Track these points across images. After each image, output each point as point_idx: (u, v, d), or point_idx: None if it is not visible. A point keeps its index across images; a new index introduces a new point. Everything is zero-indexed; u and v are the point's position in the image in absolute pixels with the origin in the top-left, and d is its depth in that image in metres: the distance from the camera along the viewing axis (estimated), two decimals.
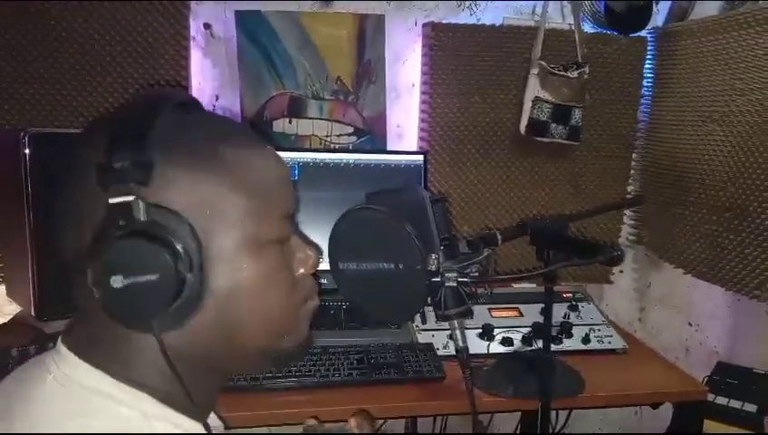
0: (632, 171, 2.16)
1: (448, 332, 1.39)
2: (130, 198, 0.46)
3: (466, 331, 1.38)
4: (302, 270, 0.59)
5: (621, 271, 2.24)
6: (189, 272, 0.48)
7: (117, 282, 0.46)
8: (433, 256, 0.74)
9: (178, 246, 0.48)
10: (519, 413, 1.90)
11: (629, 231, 2.20)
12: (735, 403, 1.33)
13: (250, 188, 0.53)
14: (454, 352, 1.30)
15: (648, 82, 2.10)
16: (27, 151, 1.26)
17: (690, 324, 2.07)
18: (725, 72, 1.76)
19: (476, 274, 0.76)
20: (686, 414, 1.24)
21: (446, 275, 0.74)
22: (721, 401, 1.34)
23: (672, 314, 2.15)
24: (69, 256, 0.52)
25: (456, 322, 0.85)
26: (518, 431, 1.70)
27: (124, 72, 1.64)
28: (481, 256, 0.78)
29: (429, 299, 0.83)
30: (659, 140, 2.06)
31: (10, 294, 1.56)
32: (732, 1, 1.78)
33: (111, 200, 0.47)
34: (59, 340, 0.55)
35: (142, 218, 0.47)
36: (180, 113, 0.54)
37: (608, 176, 2.11)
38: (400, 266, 0.73)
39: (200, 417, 0.55)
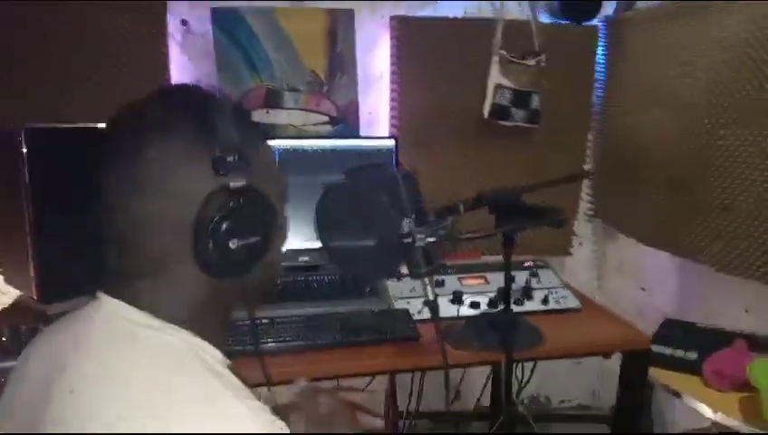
0: (588, 151, 2.32)
1: (422, 299, 1.53)
2: (243, 182, 0.63)
3: (440, 298, 1.54)
4: None
5: (581, 243, 2.42)
6: (270, 236, 0.67)
7: (233, 244, 0.63)
8: (405, 220, 0.87)
9: (270, 218, 0.66)
10: (489, 368, 2.07)
11: (587, 206, 2.37)
12: (678, 352, 1.49)
13: (276, 168, 0.72)
14: (428, 317, 1.45)
15: (600, 69, 2.26)
16: (25, 145, 1.35)
17: (643, 289, 2.25)
18: (669, 58, 1.92)
19: (443, 234, 0.89)
20: (633, 362, 1.40)
21: (417, 236, 0.88)
22: (666, 350, 1.51)
23: (626, 280, 2.33)
24: (148, 227, 0.63)
25: (426, 279, 0.98)
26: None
27: (107, 68, 1.73)
28: (446, 222, 0.92)
29: (405, 261, 0.97)
30: (612, 122, 2.23)
31: (8, 281, 1.65)
32: None
33: (233, 185, 0.63)
34: (98, 294, 0.67)
35: (248, 198, 0.64)
36: (232, 109, 0.68)
37: (566, 156, 2.27)
38: (378, 231, 0.86)
39: (220, 347, 0.67)
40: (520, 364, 1.80)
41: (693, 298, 2.00)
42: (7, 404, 0.69)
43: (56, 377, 0.63)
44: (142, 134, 0.63)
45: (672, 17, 1.91)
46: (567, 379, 2.53)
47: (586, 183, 2.36)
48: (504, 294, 1.18)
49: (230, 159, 0.63)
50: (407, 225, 0.87)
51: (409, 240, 0.87)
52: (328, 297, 1.51)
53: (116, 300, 0.65)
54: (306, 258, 1.64)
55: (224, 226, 0.63)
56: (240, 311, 0.74)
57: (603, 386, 2.53)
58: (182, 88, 0.71)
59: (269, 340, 1.30)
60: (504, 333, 1.21)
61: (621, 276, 2.36)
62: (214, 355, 0.66)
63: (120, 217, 0.64)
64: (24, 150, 1.36)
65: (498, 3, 2.14)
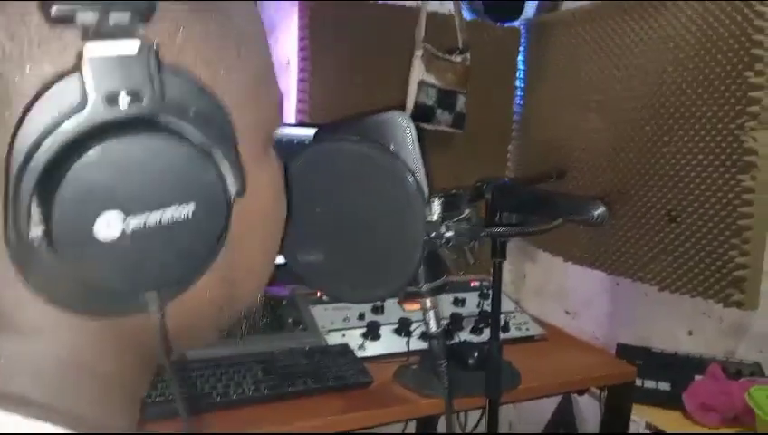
0: (508, 162, 2.15)
1: (362, 330, 1.20)
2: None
3: (383, 328, 1.22)
4: None
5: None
6: None
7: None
8: (435, 201, 0.55)
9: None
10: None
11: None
12: (649, 383, 1.30)
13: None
14: (373, 353, 1.13)
15: (522, 74, 2.11)
16: None
17: (567, 313, 2.09)
18: (601, 60, 1.80)
19: (467, 229, 0.58)
20: (617, 398, 1.18)
21: (449, 226, 0.56)
22: (637, 381, 1.31)
23: (549, 303, 2.16)
24: None
25: (428, 301, 0.66)
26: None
27: None
28: (465, 213, 0.61)
29: None
30: (535, 129, 2.07)
31: None
32: None
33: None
34: None
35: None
36: None
37: (486, 164, 2.07)
38: (392, 218, 0.53)
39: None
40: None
41: (627, 321, 1.86)
42: None
43: None
44: None
45: (603, 17, 1.79)
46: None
47: None
48: (492, 322, 0.88)
49: None
50: (436, 209, 0.54)
51: (435, 234, 0.55)
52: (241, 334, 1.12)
53: None
54: None
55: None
56: None
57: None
58: None
59: (157, 397, 0.89)
60: (487, 371, 0.92)
61: (543, 299, 2.20)
62: None
63: None
64: None
65: None
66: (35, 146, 0.26)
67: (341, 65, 1.79)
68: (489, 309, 1.34)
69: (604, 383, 1.18)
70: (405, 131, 0.55)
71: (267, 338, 1.10)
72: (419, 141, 0.56)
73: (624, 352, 1.49)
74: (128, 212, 0.27)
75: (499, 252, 0.86)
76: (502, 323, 1.31)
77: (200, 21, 0.30)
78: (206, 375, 0.95)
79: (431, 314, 0.67)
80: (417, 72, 1.84)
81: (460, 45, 1.90)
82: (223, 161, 0.31)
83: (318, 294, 1.30)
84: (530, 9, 2.08)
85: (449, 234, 0.56)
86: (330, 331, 1.18)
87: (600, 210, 0.72)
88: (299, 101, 1.79)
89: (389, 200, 0.53)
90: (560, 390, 1.23)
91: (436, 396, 1.02)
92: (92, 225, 0.26)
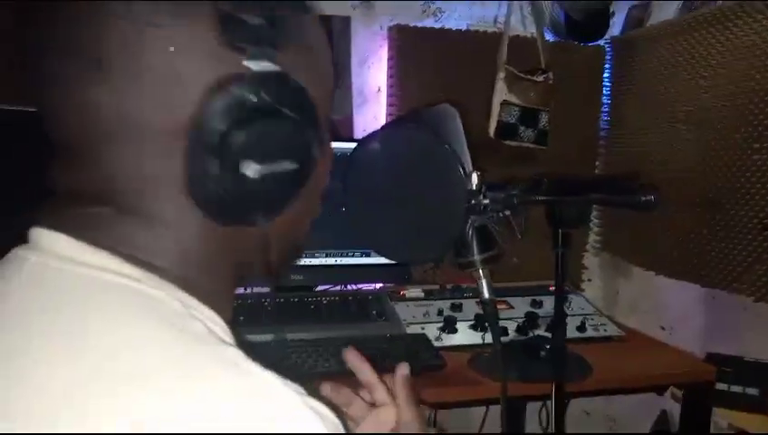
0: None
1: (439, 324, 1.29)
2: (272, 66, 0.42)
3: (459, 323, 1.30)
4: None
5: (590, 279, 2.22)
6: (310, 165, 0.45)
7: (252, 171, 0.41)
8: (475, 173, 0.65)
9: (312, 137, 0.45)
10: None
11: (595, 238, 2.19)
12: (736, 388, 1.28)
13: (327, 74, 0.51)
14: (449, 344, 1.22)
15: (607, 91, 2.14)
16: None
17: (663, 328, 2.04)
18: (688, 72, 1.80)
19: (516, 202, 0.67)
20: (695, 398, 1.18)
21: (491, 198, 0.65)
22: (722, 386, 1.29)
23: (643, 319, 2.12)
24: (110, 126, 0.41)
25: (481, 271, 0.75)
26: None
27: None
28: (513, 190, 0.70)
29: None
30: (623, 145, 2.08)
31: None
32: (689, 1, 1.83)
33: (256, 67, 0.41)
34: (31, 233, 0.42)
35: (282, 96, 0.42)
36: None
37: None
38: (437, 188, 0.64)
39: (221, 313, 0.43)
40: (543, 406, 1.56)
41: (724, 334, 1.79)
42: None
43: None
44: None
45: (689, 30, 1.79)
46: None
47: (594, 213, 2.20)
48: (556, 311, 0.94)
49: (252, 21, 0.39)
50: (477, 179, 0.64)
51: (480, 202, 0.64)
52: (329, 320, 1.26)
53: (62, 235, 0.41)
54: (300, 277, 1.39)
55: (237, 138, 0.39)
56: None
57: None
58: None
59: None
60: (552, 361, 0.98)
61: (637, 315, 2.16)
62: (223, 329, 0.41)
63: (77, 115, 0.40)
64: None
65: (502, 17, 2.01)
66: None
67: (428, 89, 1.92)
68: (568, 312, 1.40)
69: (681, 381, 1.18)
70: (453, 119, 0.66)
71: (353, 326, 1.22)
72: (465, 130, 0.66)
73: (712, 359, 1.47)
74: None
75: (561, 243, 0.93)
76: (578, 323, 1.35)
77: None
78: (300, 353, 1.08)
79: (483, 282, 0.76)
80: (500, 92, 1.93)
81: (543, 66, 1.98)
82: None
83: (401, 292, 1.41)
84: (615, 27, 2.12)
85: (486, 201, 0.66)
86: (410, 323, 1.28)
87: (648, 197, 0.77)
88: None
89: (435, 173, 0.63)
90: (634, 384, 1.24)
91: (510, 380, 1.09)
92: None
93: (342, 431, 0.37)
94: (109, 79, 0.38)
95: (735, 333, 1.75)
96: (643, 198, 0.79)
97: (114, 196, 0.41)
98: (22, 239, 0.43)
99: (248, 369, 0.37)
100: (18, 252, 0.42)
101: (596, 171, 2.17)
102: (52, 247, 0.40)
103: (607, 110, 2.14)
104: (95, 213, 0.41)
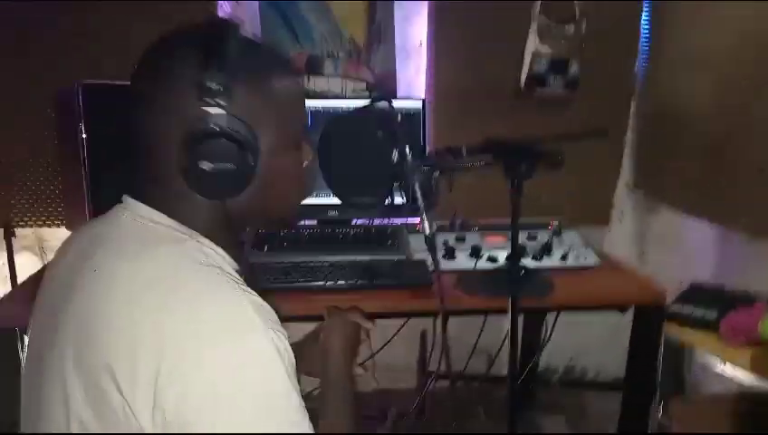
0: (630, 122, 2.29)
1: (442, 253, 1.60)
2: (220, 111, 0.69)
3: (458, 252, 1.60)
4: (306, 162, 0.83)
5: (621, 216, 2.39)
6: (251, 161, 0.71)
7: (206, 166, 0.69)
8: (396, 149, 0.94)
9: (247, 144, 0.70)
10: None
11: (628, 177, 2.34)
12: (698, 311, 1.49)
13: (290, 106, 0.77)
14: (444, 268, 1.52)
15: (644, 35, 2.22)
16: (81, 101, 1.50)
17: (683, 261, 2.21)
18: (713, 20, 1.87)
19: (435, 165, 0.96)
20: (647, 317, 1.41)
21: (410, 165, 0.95)
22: (686, 309, 1.50)
23: (668, 253, 2.29)
24: (155, 141, 0.73)
25: (424, 214, 1.05)
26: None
27: (160, 31, 1.86)
28: (442, 160, 0.98)
29: (405, 196, 1.04)
30: (655, 90, 2.19)
31: (70, 229, 1.85)
32: None
33: (208, 109, 0.69)
34: (123, 198, 0.78)
35: (226, 124, 0.69)
36: (240, 42, 0.74)
37: (607, 125, 2.23)
38: (373, 159, 0.94)
39: (233, 256, 0.77)
40: (544, 324, 1.83)
41: (730, 267, 1.95)
42: (36, 306, 0.80)
43: (80, 265, 0.73)
44: (156, 57, 0.73)
45: None
46: (604, 352, 2.51)
47: (627, 154, 2.34)
48: (512, 244, 1.22)
49: (212, 86, 0.68)
50: (397, 154, 0.94)
51: (400, 169, 0.94)
52: (353, 248, 1.60)
53: (137, 202, 0.76)
54: (335, 213, 1.73)
55: (198, 146, 0.69)
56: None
57: None
58: (205, 21, 0.75)
59: (292, 280, 1.40)
60: (510, 280, 1.25)
61: (663, 249, 2.32)
62: (227, 261, 0.75)
63: (140, 132, 0.74)
64: (80, 107, 1.51)
65: None
66: None
67: (465, 43, 2.12)
68: (554, 244, 1.64)
69: (634, 302, 1.41)
70: (394, 117, 0.95)
71: (369, 251, 1.57)
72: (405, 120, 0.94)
73: (694, 288, 1.66)
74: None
75: (514, 192, 1.18)
76: (561, 254, 1.60)
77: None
78: (323, 270, 1.44)
79: (425, 223, 1.05)
80: (532, 43, 2.10)
81: (577, 14, 2.11)
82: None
83: (417, 227, 1.72)
84: None
85: (413, 167, 0.95)
86: (417, 252, 1.59)
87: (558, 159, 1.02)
88: (428, 76, 2.18)
89: (371, 147, 0.93)
90: (591, 304, 1.49)
91: (478, 296, 1.39)
92: None
93: (286, 351, 0.66)
94: (152, 113, 0.72)
95: (736, 268, 1.91)
96: (552, 161, 1.04)
97: (160, 180, 0.74)
98: (119, 199, 0.79)
99: (228, 288, 0.68)
100: (117, 210, 0.77)
101: (629, 119, 2.28)
102: (136, 210, 0.75)
103: (644, 55, 2.23)
104: (156, 192, 0.74)
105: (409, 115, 1.76)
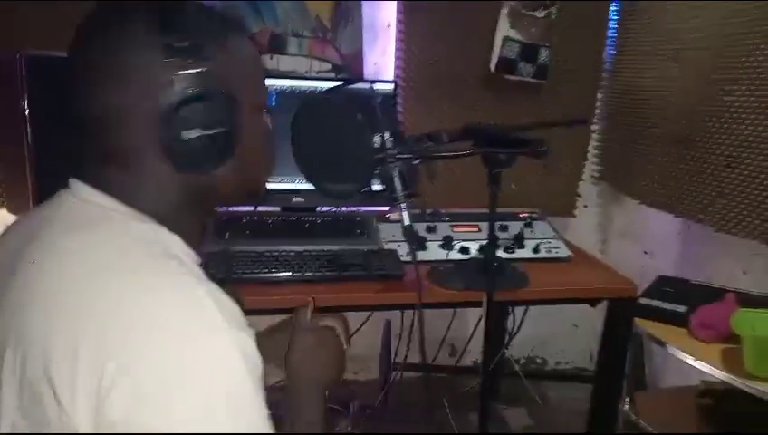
0: (597, 111, 2.28)
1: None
2: (196, 69, 0.62)
3: (429, 242, 1.54)
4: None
5: (586, 205, 2.39)
6: (236, 123, 0.66)
7: (190, 133, 0.63)
8: (378, 135, 0.87)
9: (232, 112, 0.65)
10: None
11: (593, 168, 2.34)
12: (667, 305, 1.48)
13: (254, 66, 0.72)
14: (416, 260, 1.46)
15: (613, 24, 2.21)
16: (23, 72, 1.36)
17: (646, 253, 2.23)
18: (683, 11, 1.87)
19: (417, 153, 0.89)
20: (618, 311, 1.40)
21: (390, 153, 0.88)
22: (654, 303, 1.50)
23: (631, 244, 2.30)
24: (111, 115, 0.64)
25: (403, 204, 0.98)
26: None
27: None
28: (423, 146, 0.91)
29: (385, 186, 0.97)
30: (623, 80, 2.18)
31: (12, 211, 1.70)
32: None
33: (184, 72, 0.62)
34: (69, 181, 0.69)
35: (203, 83, 0.63)
36: (199, 7, 0.67)
37: (573, 110, 2.22)
38: (351, 146, 0.86)
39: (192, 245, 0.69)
40: (511, 315, 1.81)
41: (693, 260, 1.97)
42: None
43: (22, 250, 0.64)
44: (103, 23, 0.64)
45: None
46: (565, 342, 2.54)
47: (593, 144, 2.33)
48: (489, 235, 1.17)
49: (180, 45, 0.62)
50: (379, 140, 0.87)
51: (381, 156, 0.87)
52: (320, 237, 1.52)
53: (87, 185, 0.67)
54: (301, 199, 1.65)
55: (179, 114, 0.62)
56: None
57: None
58: None
59: (256, 271, 1.32)
60: (487, 273, 1.21)
61: (625, 240, 2.34)
62: (185, 251, 0.67)
63: (91, 106, 0.65)
64: (23, 77, 1.37)
65: None
66: None
67: (434, 25, 2.06)
68: (526, 235, 1.61)
69: (606, 295, 1.39)
70: (373, 98, 0.87)
71: (337, 240, 1.49)
72: (385, 101, 0.87)
73: (661, 281, 1.66)
74: None
75: (492, 181, 1.13)
76: (534, 245, 1.57)
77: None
78: (289, 260, 1.36)
79: (404, 213, 0.99)
80: (502, 28, 2.06)
81: (548, 1, 2.07)
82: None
83: (387, 215, 1.66)
84: None
85: (394, 154, 0.88)
86: (388, 241, 1.53)
87: (543, 148, 0.97)
88: (397, 58, 2.11)
89: (350, 133, 0.86)
90: (564, 296, 1.46)
91: (452, 288, 1.34)
92: None
93: (252, 353, 0.58)
94: (108, 85, 0.63)
95: (703, 260, 1.93)
96: (539, 148, 0.99)
97: (116, 159, 0.66)
98: (64, 183, 0.70)
99: (186, 282, 0.60)
100: (62, 195, 0.69)
101: (596, 104, 2.28)
102: (83, 194, 0.66)
103: (612, 44, 2.22)
104: (107, 173, 0.66)
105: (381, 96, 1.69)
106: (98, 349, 0.54)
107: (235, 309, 0.61)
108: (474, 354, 2.27)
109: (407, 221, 0.99)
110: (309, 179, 0.94)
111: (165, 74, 0.62)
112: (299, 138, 0.82)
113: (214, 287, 0.61)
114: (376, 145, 0.87)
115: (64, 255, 0.62)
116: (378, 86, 1.72)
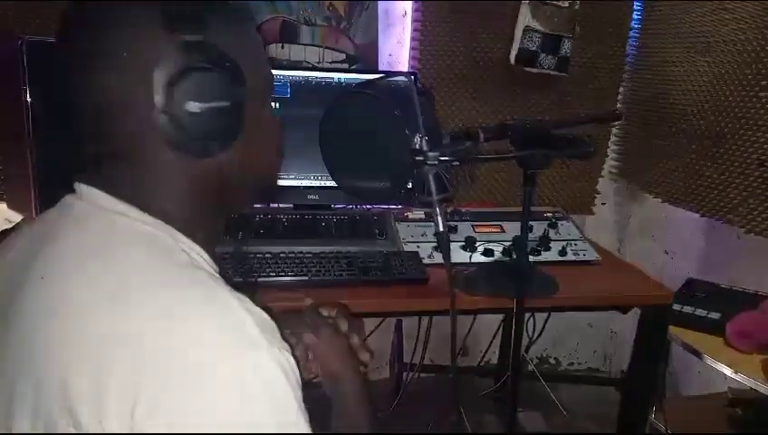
0: (618, 105, 2.21)
1: (434, 244, 1.47)
2: (199, 37, 0.56)
3: (451, 243, 1.47)
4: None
5: (604, 203, 2.32)
6: (243, 98, 0.59)
7: (195, 107, 0.56)
8: (418, 135, 0.79)
9: (237, 84, 0.59)
10: (497, 324, 2.03)
11: (612, 164, 2.27)
12: (700, 312, 1.42)
13: (260, 47, 0.66)
14: (439, 261, 1.39)
15: (638, 15, 2.13)
16: (26, 59, 1.28)
17: (666, 253, 2.16)
18: (714, 3, 1.79)
19: (458, 155, 0.81)
20: (653, 318, 1.33)
21: (430, 154, 0.80)
22: (687, 309, 1.43)
23: (650, 243, 2.24)
24: (116, 102, 0.57)
25: (437, 208, 0.91)
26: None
27: None
28: (463, 146, 0.84)
29: (415, 187, 0.89)
30: (647, 74, 2.10)
31: (12, 207, 1.62)
32: None
33: (186, 38, 0.56)
34: (75, 186, 0.61)
35: (208, 56, 0.57)
36: None
37: (595, 102, 2.15)
38: (387, 146, 0.79)
39: (210, 252, 0.62)
40: (531, 319, 1.74)
41: (718, 261, 1.90)
42: None
43: (29, 264, 0.58)
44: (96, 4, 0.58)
45: None
46: (579, 342, 2.48)
47: (612, 140, 2.26)
48: (521, 239, 1.10)
49: (179, 12, 0.56)
50: (419, 141, 0.79)
51: (421, 158, 0.79)
52: (337, 237, 1.45)
53: (94, 189, 0.60)
54: (315, 197, 1.57)
55: (178, 85, 0.56)
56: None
57: (615, 351, 2.47)
58: None
59: (271, 273, 1.25)
60: (517, 279, 1.14)
61: (644, 239, 2.27)
62: (201, 256, 0.60)
63: (88, 97, 0.58)
64: (25, 67, 1.29)
65: None
66: None
67: (452, 14, 1.98)
68: (551, 236, 1.54)
69: (640, 303, 1.32)
70: (410, 90, 0.79)
71: (354, 241, 1.42)
72: (423, 95, 0.80)
73: (690, 285, 1.60)
74: None
75: (528, 181, 1.06)
76: (560, 247, 1.50)
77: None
78: (305, 262, 1.29)
79: (438, 218, 0.92)
80: (523, 18, 1.97)
81: None
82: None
83: (405, 214, 1.59)
84: None
85: (432, 156, 0.80)
86: (407, 242, 1.46)
87: (588, 148, 0.89)
88: (412, 48, 2.03)
89: (387, 132, 0.78)
90: (596, 304, 1.40)
91: (480, 294, 1.27)
92: None
93: (292, 369, 0.53)
94: (104, 69, 0.56)
95: (728, 262, 1.86)
96: (584, 150, 0.91)
97: (125, 155, 0.59)
98: (66, 179, 0.62)
99: (221, 296, 0.54)
100: (68, 201, 0.61)
101: (617, 102, 2.20)
102: (92, 199, 0.59)
103: (635, 37, 2.15)
104: (114, 172, 0.59)
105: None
106: (128, 379, 0.49)
107: (269, 322, 0.55)
108: (487, 355, 2.21)
109: (441, 227, 0.91)
110: (337, 179, 0.86)
111: (163, 43, 0.56)
112: (332, 133, 0.74)
113: (244, 298, 0.55)
114: (416, 145, 0.79)
115: (78, 271, 0.55)
116: (396, 78, 1.64)
